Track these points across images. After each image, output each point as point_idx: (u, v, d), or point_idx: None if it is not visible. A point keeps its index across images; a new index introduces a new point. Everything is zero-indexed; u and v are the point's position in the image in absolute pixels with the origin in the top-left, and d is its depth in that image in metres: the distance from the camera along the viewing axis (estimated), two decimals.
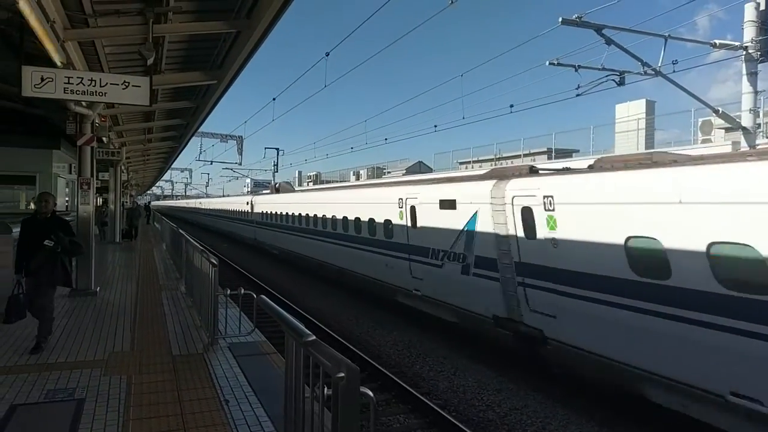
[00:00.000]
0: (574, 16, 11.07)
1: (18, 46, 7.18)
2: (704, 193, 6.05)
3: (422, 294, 11.79)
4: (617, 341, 7.05)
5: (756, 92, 8.77)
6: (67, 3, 7.15)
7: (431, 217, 11.17)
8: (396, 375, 9.07)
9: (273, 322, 6.61)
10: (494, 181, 9.52)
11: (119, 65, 10.24)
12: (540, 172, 9.16)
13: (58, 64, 7.45)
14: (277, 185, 29.63)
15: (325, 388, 2.57)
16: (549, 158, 22.94)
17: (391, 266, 12.99)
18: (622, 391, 7.41)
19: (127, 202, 35.68)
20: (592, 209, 7.41)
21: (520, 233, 8.65)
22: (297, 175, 60.45)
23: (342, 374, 2.33)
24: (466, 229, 9.98)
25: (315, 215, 18.60)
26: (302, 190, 27.95)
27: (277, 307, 3.38)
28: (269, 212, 25.35)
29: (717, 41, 9.74)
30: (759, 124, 8.62)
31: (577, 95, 11.47)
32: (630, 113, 21.59)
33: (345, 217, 15.90)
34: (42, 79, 7.31)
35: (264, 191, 33.51)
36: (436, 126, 21.49)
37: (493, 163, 26.81)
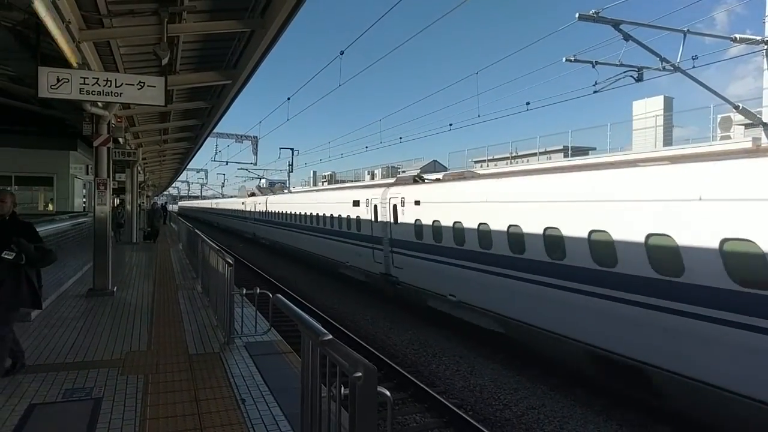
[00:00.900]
0: (591, 12, 10.90)
1: (34, 47, 7.24)
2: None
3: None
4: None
5: None
6: (82, 3, 7.18)
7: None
8: (412, 374, 9.01)
9: (289, 322, 6.60)
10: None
11: (134, 66, 10.30)
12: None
13: (74, 64, 7.50)
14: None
15: (342, 388, 2.53)
16: (565, 156, 22.67)
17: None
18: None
19: (144, 203, 36.07)
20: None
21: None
22: (312, 175, 60.37)
23: (359, 374, 2.28)
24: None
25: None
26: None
27: (293, 306, 3.33)
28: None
29: (737, 36, 9.49)
30: None
31: (595, 92, 11.30)
32: (647, 110, 21.14)
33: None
34: (58, 80, 7.36)
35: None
36: (451, 124, 21.58)
37: (509, 161, 26.60)
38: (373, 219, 15.26)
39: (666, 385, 6.83)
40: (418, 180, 14.84)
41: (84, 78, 7.62)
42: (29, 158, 15.46)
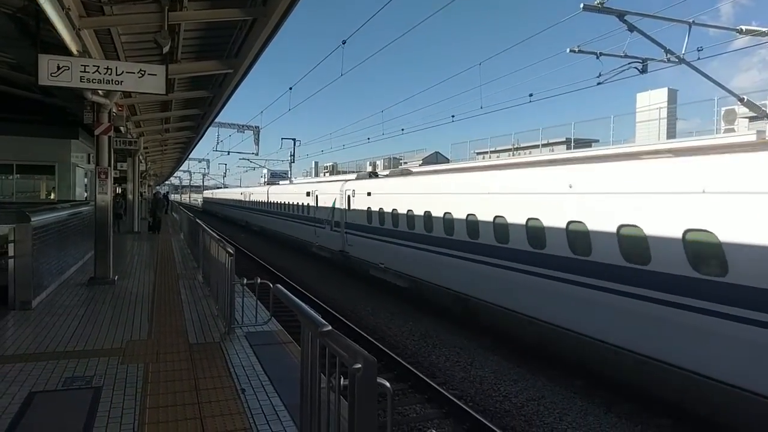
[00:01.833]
0: (595, 2, 10.75)
1: (34, 35, 7.18)
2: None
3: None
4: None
5: None
6: None
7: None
8: (412, 365, 9.03)
9: (289, 312, 6.58)
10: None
11: (135, 54, 10.22)
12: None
13: (74, 52, 7.45)
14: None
15: (342, 379, 2.51)
16: (568, 148, 22.54)
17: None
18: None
19: (146, 191, 36.02)
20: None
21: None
22: (313, 166, 60.09)
23: (359, 365, 2.26)
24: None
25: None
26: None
27: (293, 296, 3.31)
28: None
29: (743, 27, 9.35)
30: None
31: (598, 83, 11.14)
32: (651, 102, 20.93)
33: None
34: (58, 68, 7.31)
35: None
36: (453, 116, 21.19)
37: (511, 153, 26.48)
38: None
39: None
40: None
41: (84, 66, 7.56)
42: (31, 147, 15.41)
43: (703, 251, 6.42)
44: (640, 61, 10.04)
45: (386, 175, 18.78)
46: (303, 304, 3.06)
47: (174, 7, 7.79)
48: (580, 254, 8.14)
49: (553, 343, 8.96)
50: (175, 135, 23.10)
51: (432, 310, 12.84)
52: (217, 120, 23.82)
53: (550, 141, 25.13)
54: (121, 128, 13.57)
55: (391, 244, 14.74)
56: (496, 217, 10.27)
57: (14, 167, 15.92)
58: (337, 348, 2.49)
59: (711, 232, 6.25)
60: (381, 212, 15.48)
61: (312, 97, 25.21)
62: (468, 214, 11.26)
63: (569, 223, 8.39)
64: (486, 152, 29.47)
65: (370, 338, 10.38)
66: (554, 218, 8.69)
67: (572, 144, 22.63)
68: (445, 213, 12.12)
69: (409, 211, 13.80)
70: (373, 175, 19.51)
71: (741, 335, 5.91)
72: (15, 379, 4.68)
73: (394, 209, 14.63)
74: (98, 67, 7.72)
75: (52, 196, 16.26)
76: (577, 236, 8.22)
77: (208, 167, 74.46)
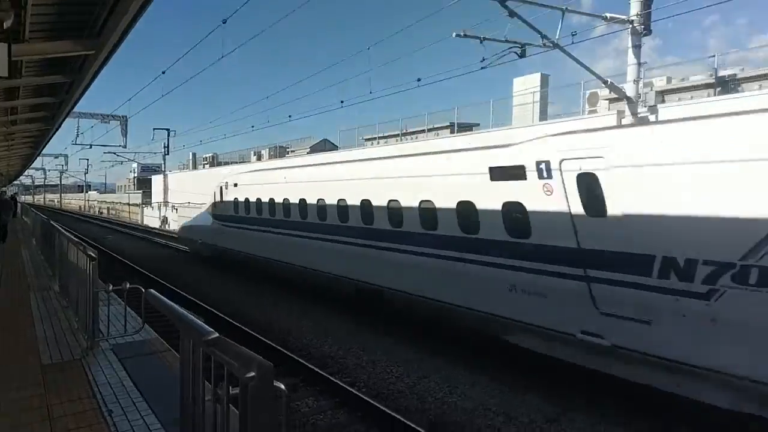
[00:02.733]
0: None
1: None
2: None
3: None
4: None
5: (640, 64, 9.39)
6: None
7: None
8: (304, 358, 8.79)
9: (166, 317, 5.96)
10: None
11: None
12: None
13: None
14: None
15: (230, 389, 2.23)
16: (451, 132, 23.30)
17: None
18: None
19: None
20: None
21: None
22: (191, 158, 55.73)
23: (253, 374, 2.00)
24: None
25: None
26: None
27: (169, 301, 2.90)
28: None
29: (608, 14, 10.06)
30: (640, 95, 9.23)
31: (482, 68, 11.55)
32: (527, 87, 22.21)
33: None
34: None
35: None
36: (342, 101, 20.74)
37: (398, 139, 26.80)
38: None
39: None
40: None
41: None
42: None
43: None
44: (520, 45, 10.46)
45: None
46: (182, 310, 2.70)
47: None
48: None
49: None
50: (24, 127, 19.86)
51: (321, 301, 12.72)
52: (76, 109, 21.09)
53: (435, 125, 25.84)
54: None
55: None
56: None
57: None
58: (226, 357, 2.19)
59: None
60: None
61: (188, 82, 23.16)
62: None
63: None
64: (374, 138, 29.47)
65: (255, 334, 9.91)
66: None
67: (456, 128, 23.36)
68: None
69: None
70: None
71: None
72: None
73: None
74: None
75: None
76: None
77: (67, 163, 65.90)
